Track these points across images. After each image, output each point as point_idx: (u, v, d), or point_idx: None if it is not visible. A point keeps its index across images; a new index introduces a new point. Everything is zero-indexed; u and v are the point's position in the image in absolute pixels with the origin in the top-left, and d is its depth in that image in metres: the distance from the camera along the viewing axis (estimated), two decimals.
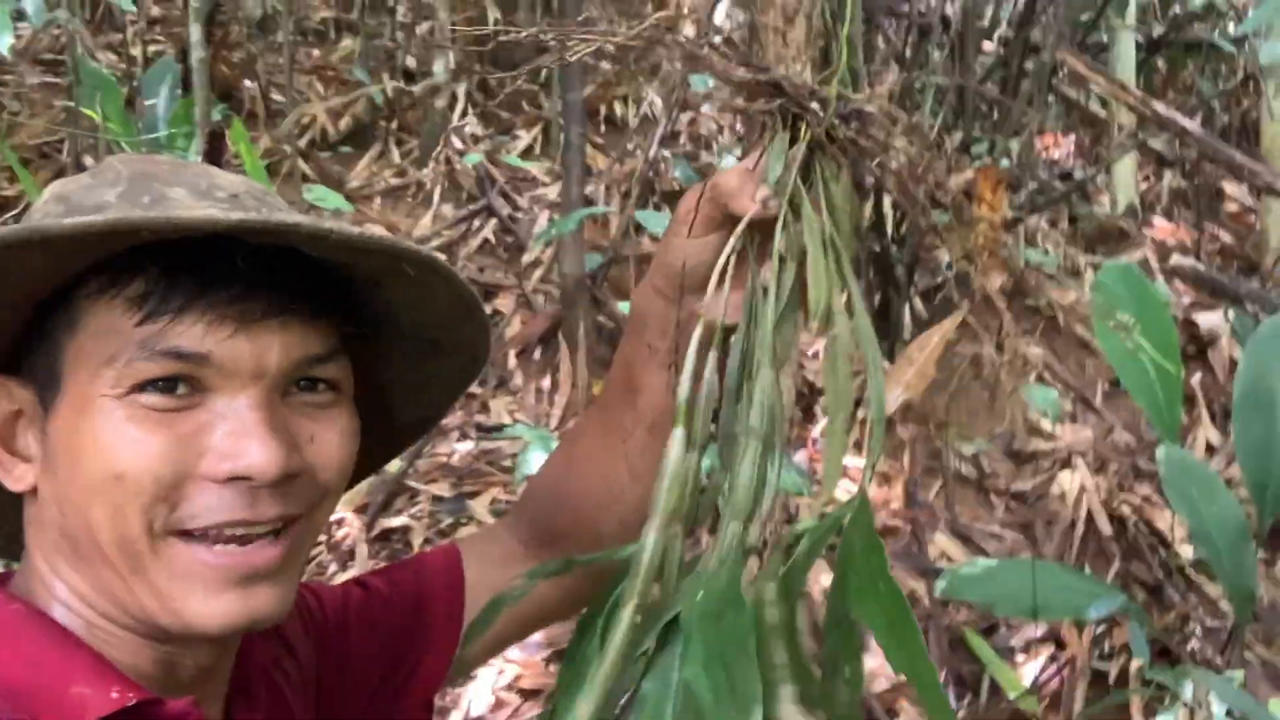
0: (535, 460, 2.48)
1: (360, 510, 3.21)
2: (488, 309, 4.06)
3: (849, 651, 0.70)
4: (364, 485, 3.35)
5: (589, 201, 4.06)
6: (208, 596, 0.68)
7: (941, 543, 3.22)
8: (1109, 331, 2.81)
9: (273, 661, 0.85)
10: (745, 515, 0.69)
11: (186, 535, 0.68)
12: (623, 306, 3.82)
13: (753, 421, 0.71)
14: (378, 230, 4.65)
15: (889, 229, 3.89)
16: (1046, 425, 3.83)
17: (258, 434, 0.67)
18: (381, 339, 0.80)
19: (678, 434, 0.72)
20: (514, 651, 2.77)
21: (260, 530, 0.69)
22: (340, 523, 3.20)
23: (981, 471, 3.56)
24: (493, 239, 4.46)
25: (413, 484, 3.29)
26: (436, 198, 4.67)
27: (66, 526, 0.69)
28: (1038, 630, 2.90)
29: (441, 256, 0.73)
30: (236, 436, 0.67)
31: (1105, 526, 3.21)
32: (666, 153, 4.38)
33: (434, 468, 3.39)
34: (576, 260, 3.73)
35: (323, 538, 3.16)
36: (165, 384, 0.67)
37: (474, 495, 3.27)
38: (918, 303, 4.15)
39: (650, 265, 0.89)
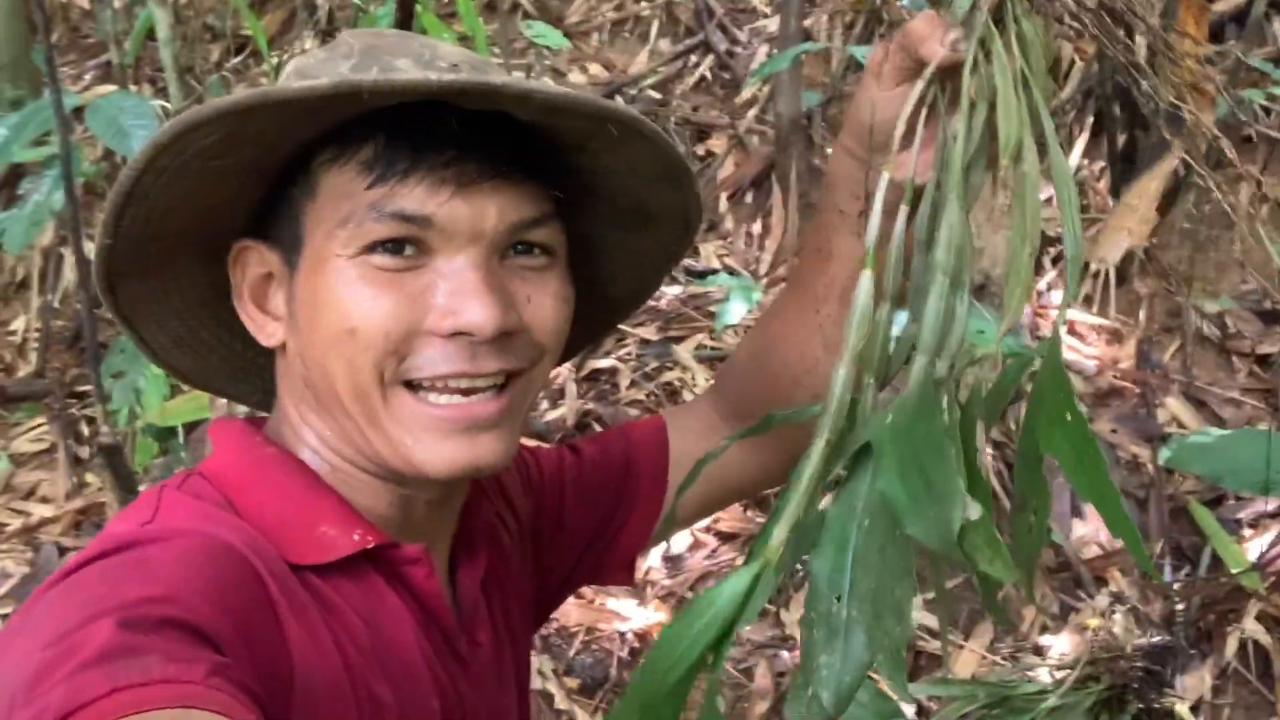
0: (735, 310, 2.46)
1: None
2: (700, 149, 4.01)
3: (1036, 488, 0.70)
4: None
5: (808, 36, 3.87)
6: (434, 442, 0.73)
7: (1173, 407, 3.02)
8: None
9: (496, 517, 0.91)
10: (933, 350, 0.67)
11: (413, 386, 0.73)
12: None
13: (939, 257, 0.68)
14: (593, 67, 4.63)
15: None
16: None
17: (477, 292, 0.71)
18: (590, 207, 0.82)
19: (865, 276, 0.70)
20: None
21: (482, 384, 0.73)
22: None
23: (1225, 331, 3.29)
24: (709, 76, 4.35)
25: (620, 327, 3.34)
26: (654, 32, 4.57)
27: (309, 378, 0.76)
28: (1269, 504, 2.70)
29: (648, 119, 0.73)
30: (458, 295, 0.71)
31: None
32: None
33: (641, 311, 3.43)
34: (793, 99, 3.60)
35: None
36: (393, 245, 0.71)
37: (680, 340, 3.30)
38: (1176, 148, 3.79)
39: (843, 131, 0.87)
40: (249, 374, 0.86)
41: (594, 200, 0.81)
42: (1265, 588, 2.55)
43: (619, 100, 4.26)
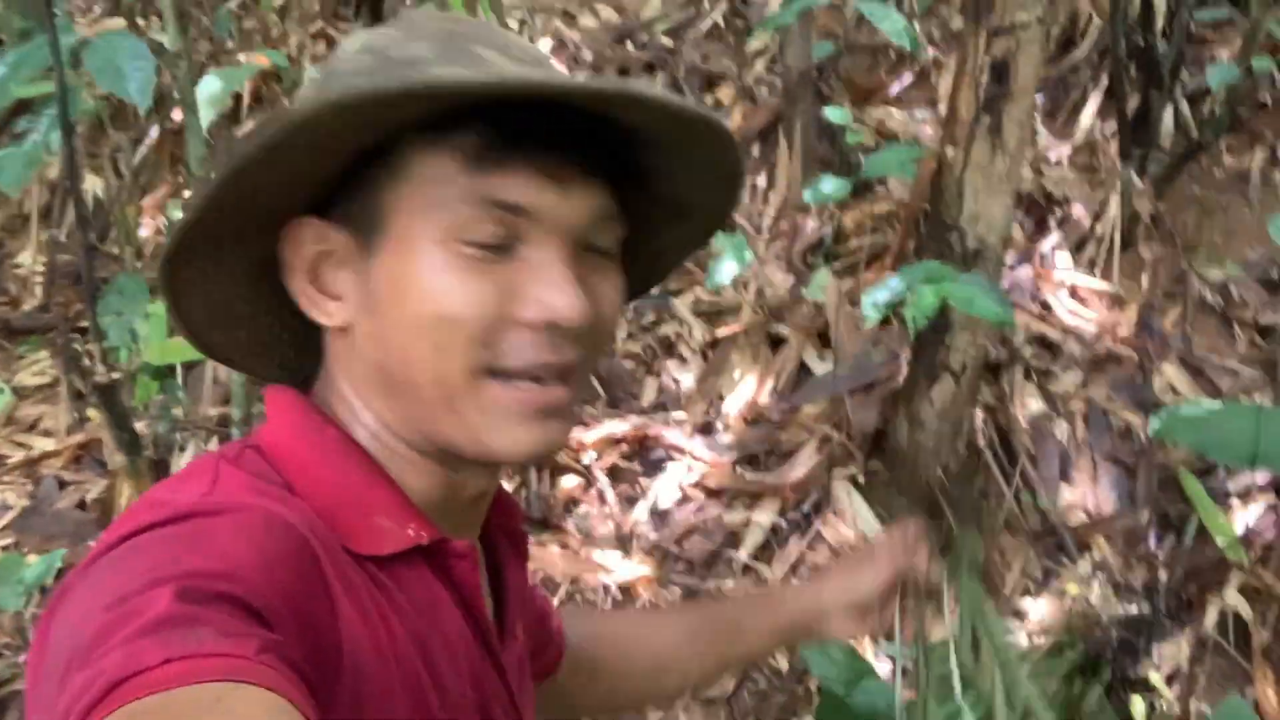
0: (727, 270, 2.45)
1: None
2: (708, 99, 3.96)
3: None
4: None
5: None
6: (512, 429, 0.74)
7: (1170, 375, 3.01)
8: None
9: (499, 528, 0.93)
10: None
11: (496, 374, 0.73)
12: (832, 112, 3.63)
13: None
14: (605, 11, 4.57)
15: (1157, 21, 3.47)
16: None
17: (568, 285, 0.72)
18: (634, 199, 0.82)
19: None
20: (704, 450, 2.84)
21: (548, 372, 0.75)
22: None
23: (1228, 299, 3.26)
24: (721, 23, 4.29)
25: None
26: None
27: (384, 361, 0.75)
28: (1259, 477, 2.70)
29: (729, 131, 0.75)
30: (550, 286, 0.72)
31: None
32: None
33: None
34: (802, 51, 3.54)
35: None
36: (487, 232, 0.71)
37: (677, 294, 3.29)
38: (1184, 106, 3.73)
39: (833, 581, 1.14)
40: (268, 348, 0.85)
41: (639, 193, 0.81)
42: (1250, 560, 2.56)
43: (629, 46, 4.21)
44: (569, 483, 2.75)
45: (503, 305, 0.71)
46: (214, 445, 2.80)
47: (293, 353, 0.83)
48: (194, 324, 0.82)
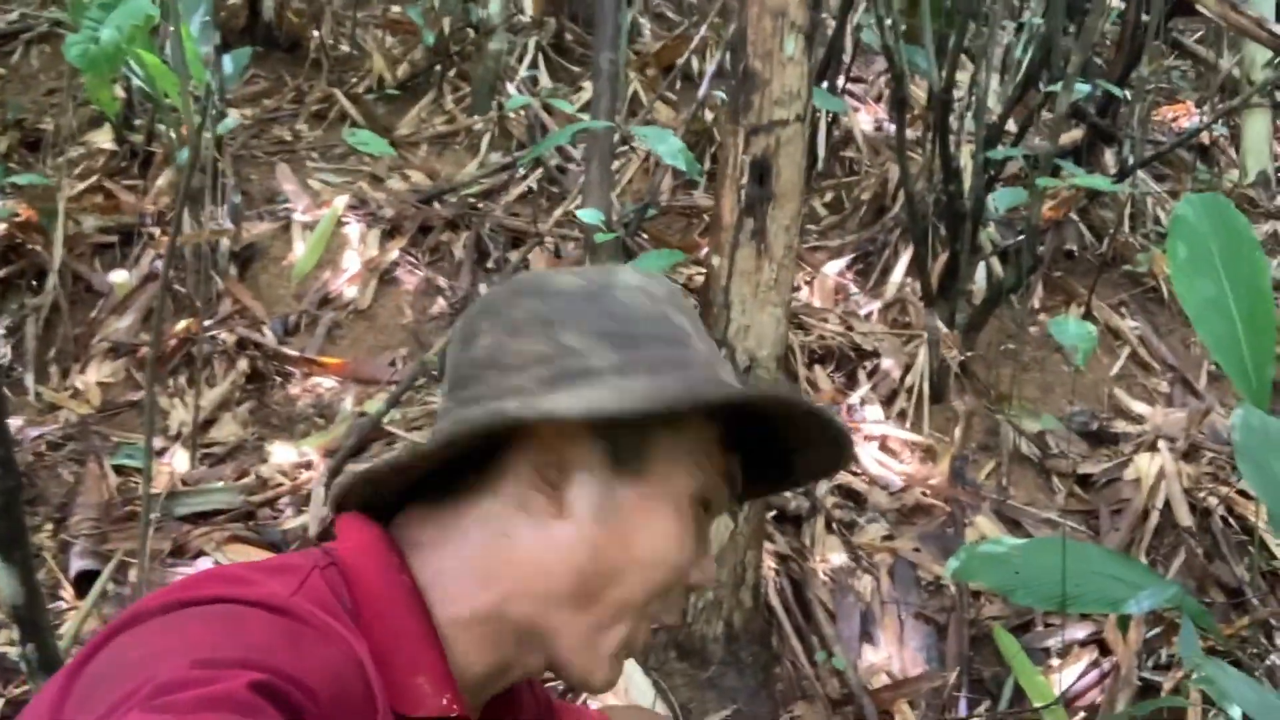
0: None
1: (329, 454, 2.93)
2: (513, 255, 3.77)
3: None
4: (341, 427, 3.08)
5: (625, 140, 3.71)
6: (611, 666, 0.80)
7: (983, 525, 2.74)
8: (1186, 273, 2.31)
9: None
10: None
11: (652, 621, 0.81)
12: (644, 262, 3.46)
13: None
14: (415, 175, 4.41)
15: (964, 178, 3.41)
16: (1136, 407, 3.29)
17: (712, 555, 0.83)
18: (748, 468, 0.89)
19: None
20: None
21: None
22: (308, 464, 2.93)
23: (1045, 451, 3.05)
24: (535, 188, 4.15)
25: (392, 429, 3.00)
26: (485, 145, 4.40)
27: (587, 569, 0.78)
28: (1079, 631, 2.40)
29: (847, 430, 0.85)
30: (708, 556, 0.83)
31: (1185, 517, 2.67)
32: (719, 92, 3.98)
33: (424, 414, 3.10)
34: (602, 199, 3.38)
35: (285, 480, 2.89)
36: (709, 504, 0.82)
37: None
38: (995, 262, 3.65)
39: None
40: (389, 487, 0.83)
41: (754, 463, 0.89)
42: None
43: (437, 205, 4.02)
44: None
45: (689, 568, 0.81)
46: None
47: (401, 486, 0.82)
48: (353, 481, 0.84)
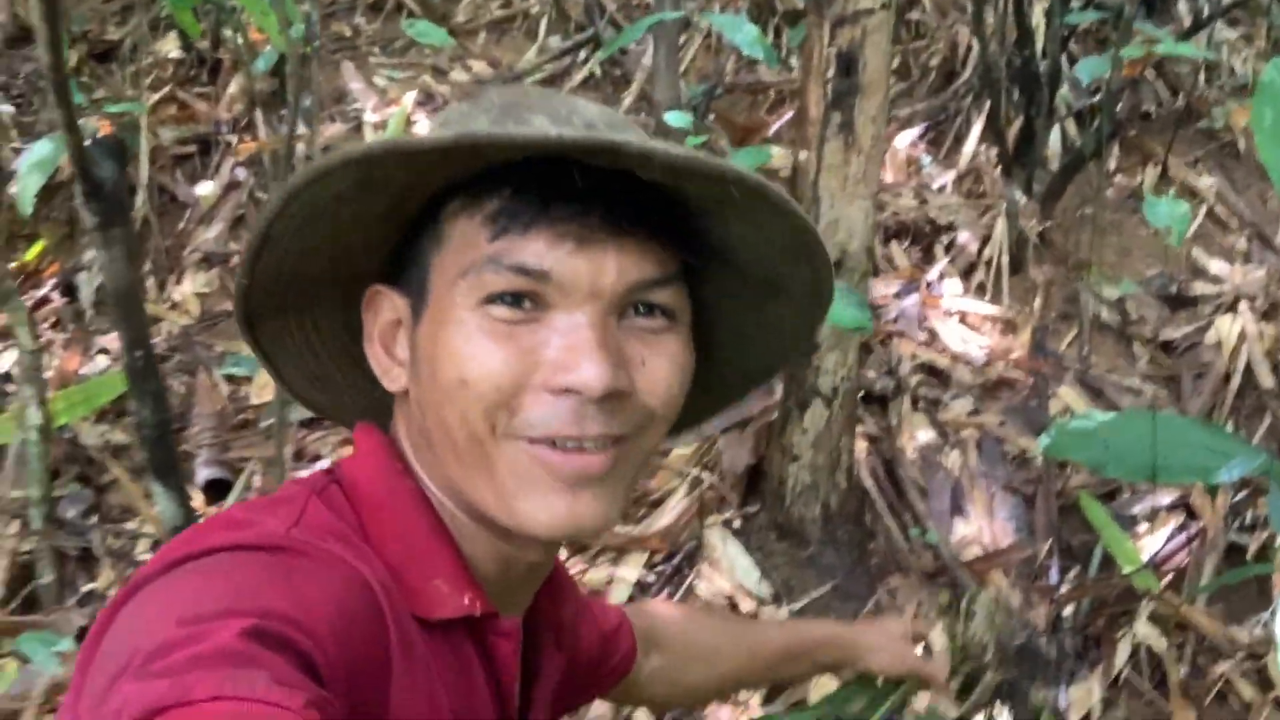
0: None
1: None
2: None
3: None
4: None
5: (686, 23, 3.68)
6: (540, 496, 0.72)
7: (1067, 396, 2.81)
8: (1273, 138, 2.30)
9: (544, 613, 0.91)
10: None
11: (522, 439, 0.72)
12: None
13: None
14: (477, 64, 4.41)
15: (1037, 39, 3.35)
16: (1214, 266, 3.29)
17: (589, 350, 0.69)
18: (720, 274, 0.80)
19: None
20: None
21: (590, 445, 0.72)
22: None
23: (1126, 317, 3.09)
24: (599, 72, 4.14)
25: None
26: (543, 29, 4.37)
27: (424, 425, 0.75)
28: (1165, 497, 2.48)
29: (778, 187, 0.70)
30: (570, 351, 0.70)
31: (1267, 379, 2.71)
32: None
33: None
34: (671, 86, 3.38)
35: None
36: (513, 298, 0.70)
37: None
38: (1070, 125, 3.61)
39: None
40: (380, 411, 0.84)
41: (724, 267, 0.79)
42: (1160, 588, 2.32)
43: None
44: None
45: (525, 370, 0.70)
46: (15, 528, 2.50)
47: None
48: (294, 384, 0.87)
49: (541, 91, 0.79)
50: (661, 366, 0.74)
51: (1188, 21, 3.75)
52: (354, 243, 0.75)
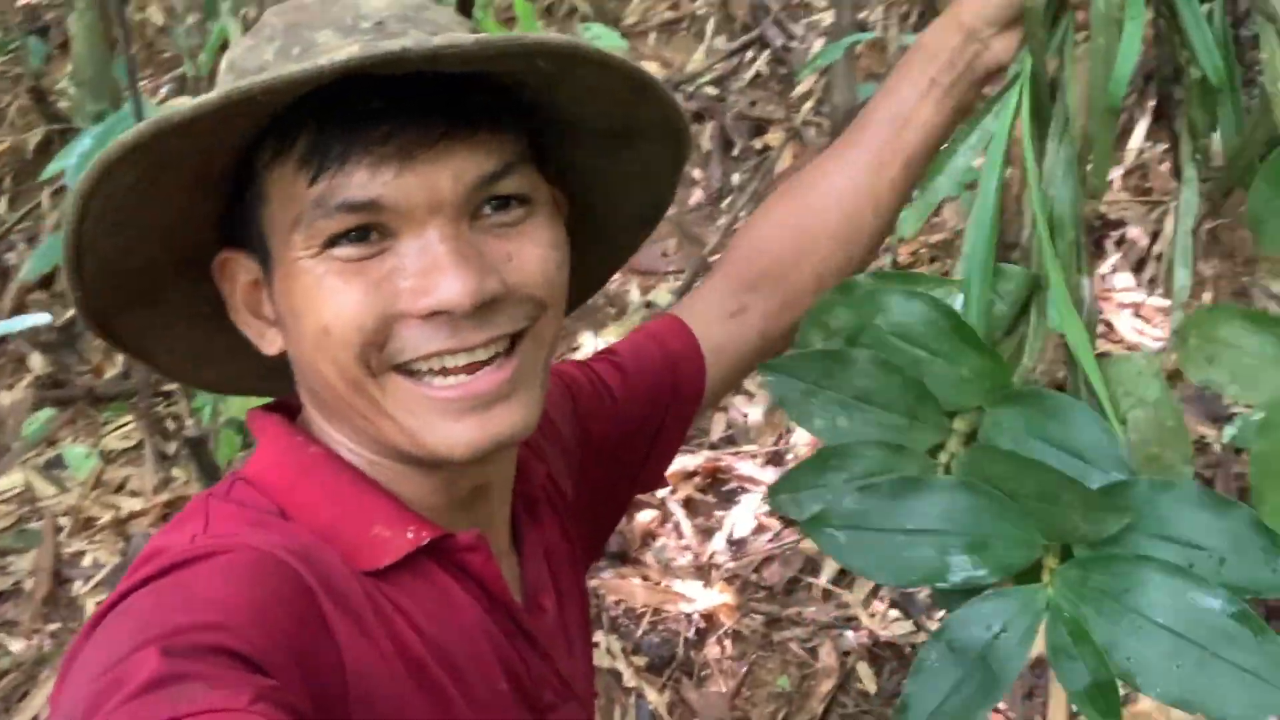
0: None
1: None
2: (758, 144, 4.04)
3: None
4: (635, 315, 3.49)
5: (862, 27, 3.90)
6: (444, 424, 0.70)
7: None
8: None
9: (547, 478, 0.90)
10: None
11: (407, 371, 0.70)
12: None
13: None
14: (650, 66, 4.68)
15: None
16: None
17: (447, 265, 0.67)
18: (572, 137, 0.78)
19: None
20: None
21: (483, 355, 0.70)
22: None
23: None
24: (765, 71, 4.38)
25: None
26: (710, 30, 4.62)
27: (307, 381, 0.75)
28: None
29: (590, 44, 0.69)
30: (428, 272, 0.67)
31: None
32: None
33: None
34: (847, 89, 3.61)
35: None
36: (356, 234, 0.68)
37: None
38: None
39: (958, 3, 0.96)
40: (277, 372, 0.79)
41: (573, 130, 0.77)
42: None
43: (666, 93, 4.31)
44: (645, 517, 2.78)
45: (385, 301, 0.68)
46: None
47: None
48: (174, 369, 0.84)
49: (304, 4, 0.73)
50: (531, 254, 0.72)
51: None
52: (177, 220, 0.71)
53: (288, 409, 0.81)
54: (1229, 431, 2.42)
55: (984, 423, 0.81)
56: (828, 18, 4.45)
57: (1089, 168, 0.89)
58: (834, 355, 0.84)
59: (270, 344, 0.76)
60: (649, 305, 3.51)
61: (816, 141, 3.94)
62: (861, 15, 3.93)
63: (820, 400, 0.83)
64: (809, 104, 4.07)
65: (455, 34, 0.66)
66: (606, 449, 0.98)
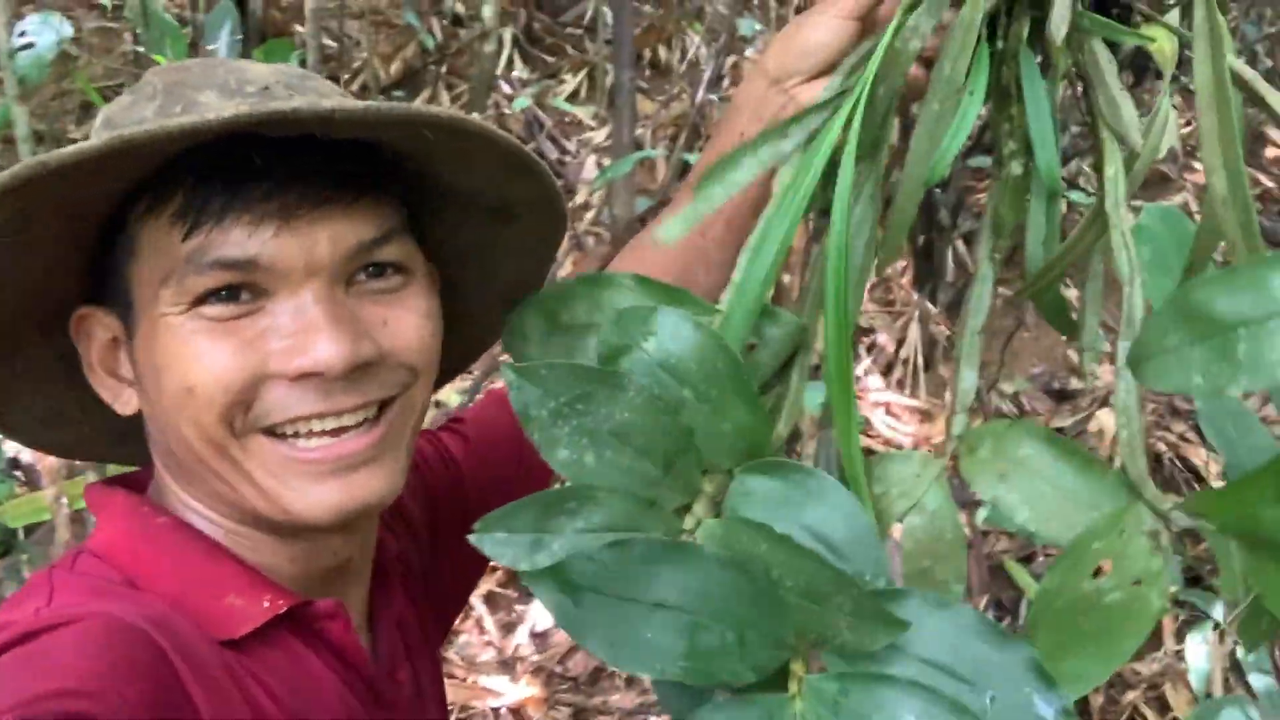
0: None
1: None
2: None
3: None
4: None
5: (639, 145, 4.15)
6: (308, 488, 0.68)
7: None
8: (1150, 269, 2.91)
9: (400, 552, 0.89)
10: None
11: (274, 433, 0.68)
12: None
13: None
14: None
15: None
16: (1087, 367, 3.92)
17: (322, 327, 0.66)
18: (450, 212, 0.78)
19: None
20: None
21: (350, 421, 0.69)
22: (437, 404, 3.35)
23: (1021, 409, 3.66)
24: None
25: None
26: None
27: (166, 443, 0.71)
28: None
29: (476, 117, 0.68)
30: (301, 333, 0.66)
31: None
32: (713, 96, 4.44)
33: None
34: (628, 202, 3.84)
35: None
36: (227, 292, 0.66)
37: None
38: (960, 246, 4.23)
39: (764, 52, 0.88)
40: (130, 436, 0.77)
41: (452, 204, 0.77)
42: None
43: None
44: None
45: (255, 361, 0.66)
46: None
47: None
48: (25, 430, 0.80)
49: (206, 63, 0.72)
50: (406, 321, 0.71)
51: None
52: (39, 272, 0.69)
53: (131, 484, 0.78)
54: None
55: (732, 489, 0.68)
56: (598, 135, 4.70)
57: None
58: (603, 377, 0.66)
59: (126, 404, 0.73)
60: (437, 405, 3.53)
61: (596, 250, 4.13)
62: (637, 133, 4.18)
63: (571, 428, 0.66)
64: (589, 214, 4.26)
65: (346, 100, 0.66)
66: (456, 517, 0.94)
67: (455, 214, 0.78)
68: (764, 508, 0.67)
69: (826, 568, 0.62)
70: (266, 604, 0.70)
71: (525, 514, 0.65)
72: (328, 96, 0.70)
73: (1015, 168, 0.79)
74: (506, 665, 2.67)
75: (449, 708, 0.97)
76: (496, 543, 0.64)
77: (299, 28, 5.27)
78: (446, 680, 2.55)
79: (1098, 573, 0.64)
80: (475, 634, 2.75)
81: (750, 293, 0.72)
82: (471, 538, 0.63)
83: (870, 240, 0.78)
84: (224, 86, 0.69)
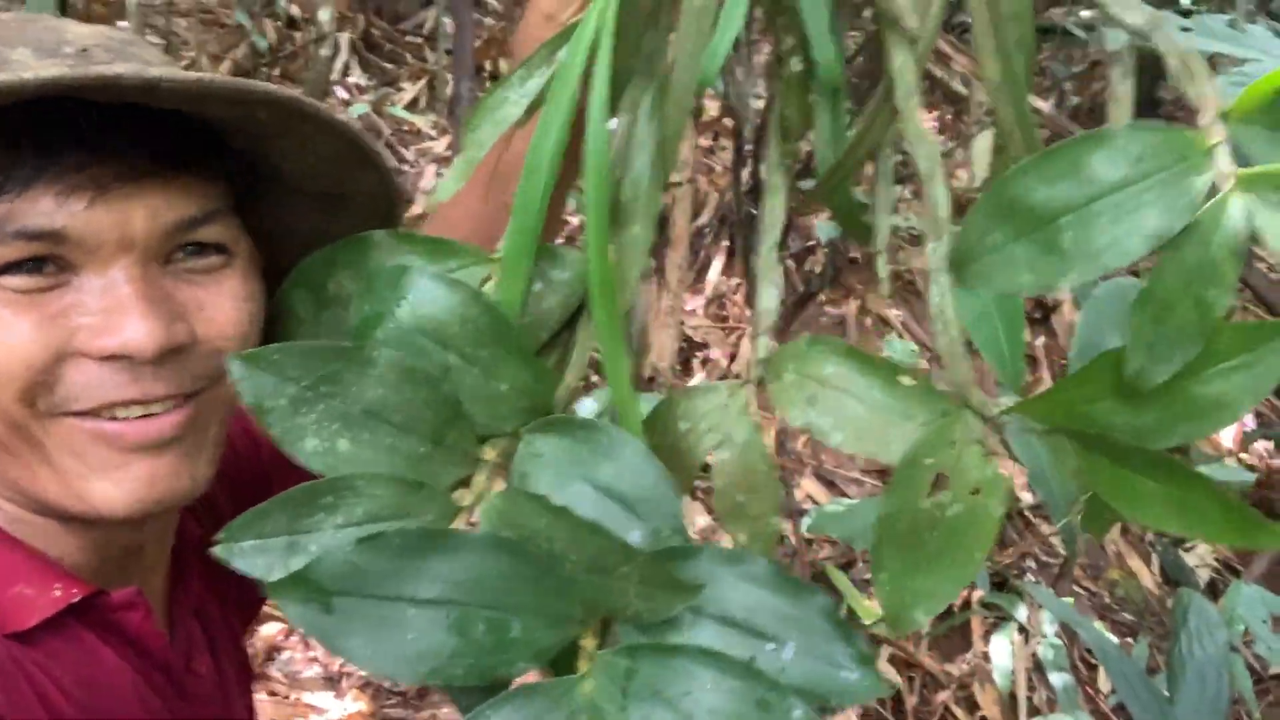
0: None
1: None
2: None
3: None
4: None
5: None
6: (108, 472, 0.65)
7: (808, 486, 3.45)
8: (961, 294, 3.08)
9: (201, 537, 0.83)
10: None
11: (78, 415, 0.65)
12: None
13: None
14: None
15: (764, 189, 4.10)
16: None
17: (133, 308, 0.63)
18: (278, 194, 0.74)
19: None
20: None
21: (158, 409, 0.66)
22: None
23: None
24: None
25: None
26: None
27: None
28: None
29: (315, 101, 0.66)
30: (111, 312, 0.63)
31: None
32: None
33: None
34: None
35: None
36: (31, 264, 0.62)
37: None
38: (790, 263, 4.37)
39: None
40: None
41: (283, 189, 0.74)
42: (895, 635, 2.97)
43: None
44: (270, 630, 2.69)
45: (60, 337, 0.63)
46: None
47: None
48: None
49: (22, 18, 0.68)
50: (223, 307, 0.68)
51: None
52: None
53: None
54: (805, 522, 2.80)
55: (519, 453, 0.64)
56: (438, 145, 4.66)
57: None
58: (345, 353, 0.61)
59: None
60: None
61: None
62: None
63: (318, 414, 0.61)
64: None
65: (173, 69, 0.62)
66: (261, 500, 0.90)
67: (285, 198, 0.75)
68: (554, 469, 0.63)
69: (609, 538, 0.58)
70: (58, 593, 0.67)
71: (276, 516, 0.59)
72: (154, 65, 0.65)
73: (794, 64, 0.71)
74: (331, 681, 2.61)
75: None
76: (246, 553, 0.58)
77: (122, 24, 5.05)
78: (269, 698, 2.49)
79: (935, 488, 0.61)
80: (299, 649, 2.68)
81: (525, 232, 0.66)
82: (216, 550, 0.57)
83: (656, 161, 0.72)
84: (39, 44, 0.64)
